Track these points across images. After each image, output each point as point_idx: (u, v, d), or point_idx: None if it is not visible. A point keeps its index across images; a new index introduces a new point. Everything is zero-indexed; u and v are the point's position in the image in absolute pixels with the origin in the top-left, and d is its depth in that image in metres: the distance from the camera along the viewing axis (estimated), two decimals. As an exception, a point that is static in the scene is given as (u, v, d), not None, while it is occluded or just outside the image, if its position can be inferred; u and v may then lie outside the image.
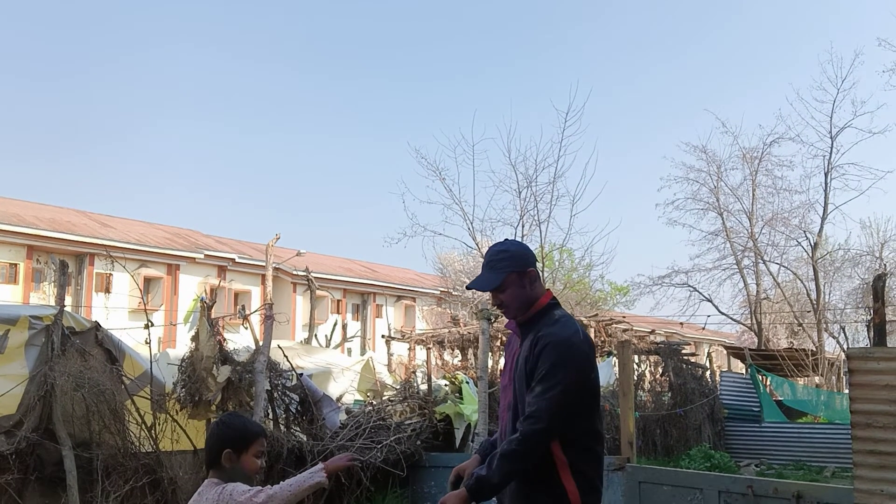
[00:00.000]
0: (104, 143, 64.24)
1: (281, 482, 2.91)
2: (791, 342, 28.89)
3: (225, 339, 7.20)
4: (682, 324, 29.24)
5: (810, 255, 25.46)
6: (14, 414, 5.94)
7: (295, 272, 31.87)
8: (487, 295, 3.38)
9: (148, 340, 6.66)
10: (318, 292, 19.97)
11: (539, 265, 21.20)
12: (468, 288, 3.48)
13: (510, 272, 3.22)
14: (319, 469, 2.90)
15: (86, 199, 76.11)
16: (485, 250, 3.56)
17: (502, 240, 3.54)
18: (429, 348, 11.54)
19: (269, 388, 7.48)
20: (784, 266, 26.92)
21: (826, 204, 25.09)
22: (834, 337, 25.82)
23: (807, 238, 25.77)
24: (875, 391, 4.77)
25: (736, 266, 26.68)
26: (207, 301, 7.17)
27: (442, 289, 33.55)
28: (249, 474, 3.05)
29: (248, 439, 3.06)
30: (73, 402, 6.15)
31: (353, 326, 33.84)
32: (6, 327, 6.16)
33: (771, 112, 64.53)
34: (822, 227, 25.37)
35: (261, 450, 3.09)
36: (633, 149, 71.05)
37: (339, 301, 37.38)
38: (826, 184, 24.94)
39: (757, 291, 26.75)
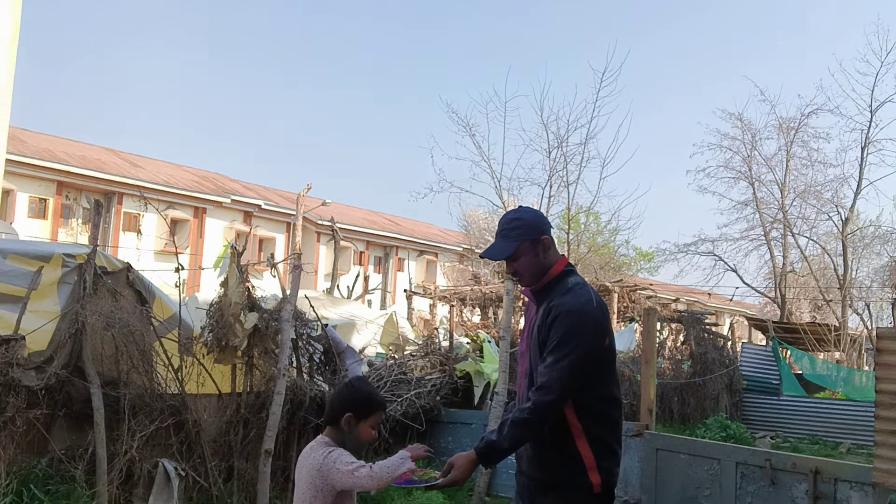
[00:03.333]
0: (137, 82, 64.33)
1: (377, 463, 2.94)
2: (814, 317, 28.71)
3: (253, 287, 7.24)
4: (709, 294, 29.07)
5: (840, 229, 25.13)
6: (45, 350, 6.02)
7: (319, 222, 31.98)
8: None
9: (178, 284, 6.70)
10: (342, 243, 20.03)
11: (565, 227, 21.21)
12: (482, 256, 3.46)
13: (523, 240, 3.19)
14: (407, 457, 2.94)
15: (115, 136, 76.56)
16: (511, 209, 3.52)
17: (516, 207, 3.51)
18: (452, 305, 11.56)
19: (295, 337, 7.54)
20: (812, 240, 26.62)
21: (860, 179, 24.69)
22: (858, 314, 25.58)
23: (838, 212, 25.44)
24: (905, 373, 4.72)
25: (764, 237, 26.40)
26: (238, 248, 7.20)
27: (465, 246, 33.53)
28: (362, 442, 3.09)
29: (370, 408, 3.10)
30: (102, 342, 6.22)
31: (375, 279, 34.03)
32: (40, 264, 6.22)
33: (811, 82, 63.14)
34: (854, 202, 25.02)
35: (379, 421, 3.15)
36: (668, 113, 70.10)
37: (361, 253, 37.52)
38: (862, 158, 24.51)
39: (783, 264, 26.49)
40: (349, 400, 3.11)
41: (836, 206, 25.37)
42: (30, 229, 25.21)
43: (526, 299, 3.42)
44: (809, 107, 25.34)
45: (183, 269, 6.69)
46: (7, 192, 24.94)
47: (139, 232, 26.95)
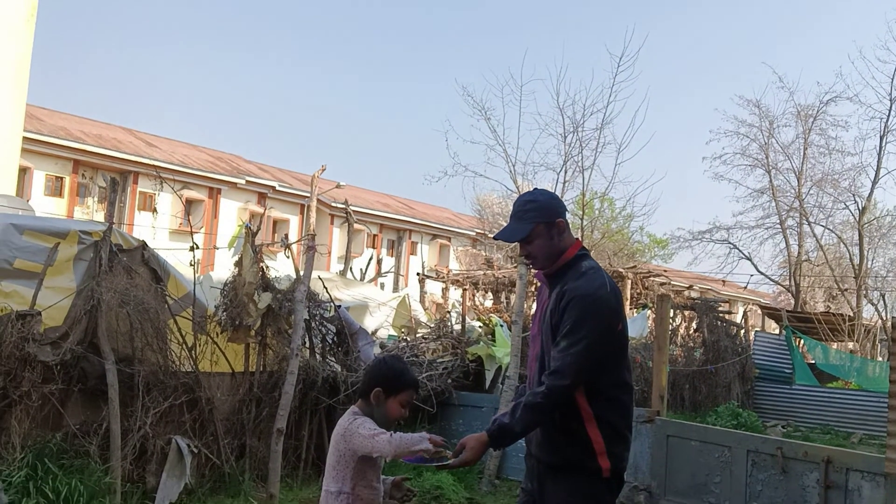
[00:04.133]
0: (155, 63, 64.41)
1: (397, 433, 3.00)
2: (828, 306, 28.55)
3: (267, 267, 7.27)
4: (723, 282, 28.95)
5: (857, 219, 24.94)
6: (61, 326, 6.06)
7: (333, 204, 32.03)
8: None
9: (193, 262, 6.73)
10: (356, 226, 20.06)
11: (579, 213, 21.15)
12: (495, 238, 3.44)
13: (538, 223, 3.16)
14: (426, 438, 2.96)
15: (130, 115, 76.81)
16: (526, 191, 3.49)
17: (531, 189, 3.47)
18: (465, 289, 11.57)
19: (308, 318, 7.57)
20: (829, 229, 26.46)
21: (878, 168, 24.47)
22: (873, 304, 25.48)
23: (855, 201, 25.24)
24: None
25: (779, 226, 26.25)
26: (252, 228, 7.22)
27: (478, 230, 33.51)
28: (390, 418, 3.12)
29: (400, 385, 3.13)
30: (117, 318, 6.26)
31: (388, 262, 34.05)
32: (56, 240, 6.26)
33: (830, 70, 62.41)
34: (872, 191, 24.83)
35: (409, 400, 3.17)
36: (685, 99, 69.61)
37: (374, 236, 37.55)
38: (881, 147, 24.28)
39: (798, 253, 26.33)
40: (379, 375, 3.17)
41: (854, 194, 25.19)
42: (46, 207, 25.35)
43: (539, 283, 3.41)
44: (828, 94, 25.16)
45: (198, 248, 6.71)
46: (24, 170, 25.08)
47: (154, 210, 27.05)
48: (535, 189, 3.44)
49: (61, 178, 27.87)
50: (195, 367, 6.63)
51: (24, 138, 18.78)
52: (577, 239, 3.32)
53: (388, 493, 3.22)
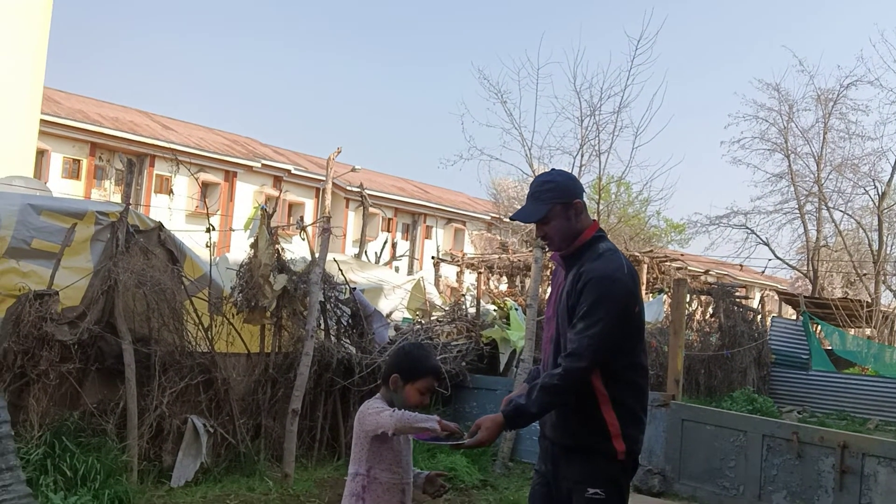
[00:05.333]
0: (169, 43, 64.52)
1: (405, 411, 3.02)
2: (846, 292, 28.33)
3: (283, 249, 7.28)
4: (741, 266, 28.76)
5: (877, 204, 24.68)
6: (78, 306, 6.10)
7: (348, 188, 32.04)
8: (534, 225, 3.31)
9: (209, 244, 6.75)
10: (371, 210, 20.04)
11: (595, 197, 21.05)
12: (511, 219, 3.40)
13: (555, 203, 3.13)
14: (435, 419, 2.96)
15: (146, 97, 77.02)
16: (543, 171, 3.46)
17: (548, 170, 3.44)
18: (480, 272, 11.55)
19: (323, 300, 7.59)
20: (848, 214, 26.19)
21: (900, 152, 24.16)
22: (892, 290, 25.24)
23: (875, 186, 24.97)
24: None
25: (798, 211, 26.01)
26: (268, 210, 7.23)
27: (493, 214, 33.44)
28: (409, 405, 3.12)
29: (417, 373, 3.13)
30: (134, 299, 6.29)
31: (403, 246, 34.06)
32: (73, 221, 6.29)
33: (851, 53, 61.58)
34: (892, 176, 24.54)
35: (428, 387, 3.16)
36: (703, 83, 68.98)
37: (389, 220, 37.54)
38: (902, 131, 23.96)
39: (817, 238, 26.11)
40: (397, 362, 3.19)
41: (874, 179, 24.92)
42: (63, 189, 25.46)
43: (553, 267, 3.38)
44: (849, 78, 24.79)
45: (214, 229, 6.73)
46: (42, 153, 25.23)
47: (171, 192, 27.15)
48: (553, 169, 3.41)
49: (78, 161, 28.02)
50: (211, 348, 6.66)
51: (42, 121, 18.90)
52: (594, 220, 3.29)
53: (422, 488, 3.23)
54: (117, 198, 26.31)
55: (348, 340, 8.02)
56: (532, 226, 3.26)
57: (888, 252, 25.65)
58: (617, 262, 3.06)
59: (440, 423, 2.95)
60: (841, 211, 26.11)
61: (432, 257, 20.13)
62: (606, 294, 2.97)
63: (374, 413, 3.02)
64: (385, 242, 19.89)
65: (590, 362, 2.94)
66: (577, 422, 3.07)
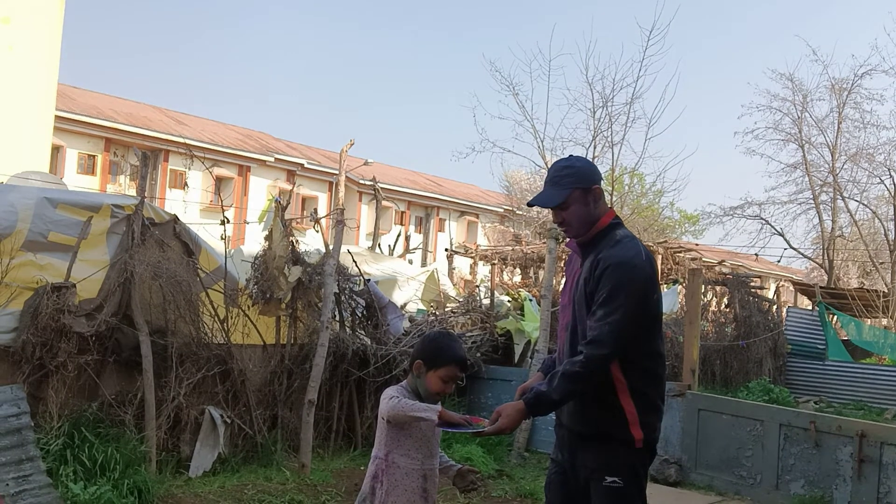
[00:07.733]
0: (185, 40, 64.69)
1: (403, 400, 3.07)
2: (862, 282, 28.12)
3: (297, 241, 7.30)
4: (756, 256, 28.58)
5: (892, 193, 24.44)
6: (95, 298, 6.14)
7: (361, 181, 32.07)
8: (549, 213, 3.30)
9: (224, 236, 6.78)
10: (384, 203, 20.03)
11: (609, 189, 20.95)
12: (529, 204, 3.39)
13: (574, 189, 3.12)
14: (436, 409, 2.99)
15: (160, 93, 77.29)
16: (562, 157, 3.45)
17: (567, 156, 3.42)
18: (493, 263, 11.54)
19: (338, 292, 7.61)
20: (863, 204, 25.92)
21: (915, 141, 23.89)
22: (908, 280, 24.95)
23: (890, 176, 24.68)
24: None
25: (812, 201, 25.79)
26: (282, 202, 7.25)
27: (506, 206, 33.38)
28: (431, 391, 3.16)
29: (440, 360, 3.16)
30: (150, 291, 6.33)
31: (416, 239, 34.08)
32: (89, 214, 6.32)
33: (866, 42, 61.00)
34: (908, 165, 24.27)
35: (451, 376, 3.18)
36: (716, 73, 68.51)
37: (402, 213, 37.58)
38: (917, 120, 23.71)
39: (832, 228, 25.91)
40: (422, 349, 3.23)
41: (889, 169, 24.64)
42: (79, 185, 25.64)
43: (567, 256, 3.37)
44: (863, 67, 24.47)
45: (228, 221, 6.75)
46: (57, 149, 25.38)
47: (185, 186, 27.26)
48: (571, 155, 3.39)
49: (93, 157, 28.18)
50: (227, 339, 6.70)
51: (57, 117, 18.99)
52: (611, 208, 3.28)
53: (452, 480, 3.27)
54: (132, 192, 26.46)
55: (363, 332, 8.04)
56: (545, 217, 3.26)
57: (904, 241, 25.42)
58: (635, 248, 3.05)
59: (442, 414, 2.96)
60: (856, 201, 25.88)
61: (446, 249, 20.11)
62: (626, 280, 2.96)
63: (385, 399, 3.10)
64: (398, 235, 19.91)
65: (612, 349, 2.93)
66: (594, 410, 3.06)
